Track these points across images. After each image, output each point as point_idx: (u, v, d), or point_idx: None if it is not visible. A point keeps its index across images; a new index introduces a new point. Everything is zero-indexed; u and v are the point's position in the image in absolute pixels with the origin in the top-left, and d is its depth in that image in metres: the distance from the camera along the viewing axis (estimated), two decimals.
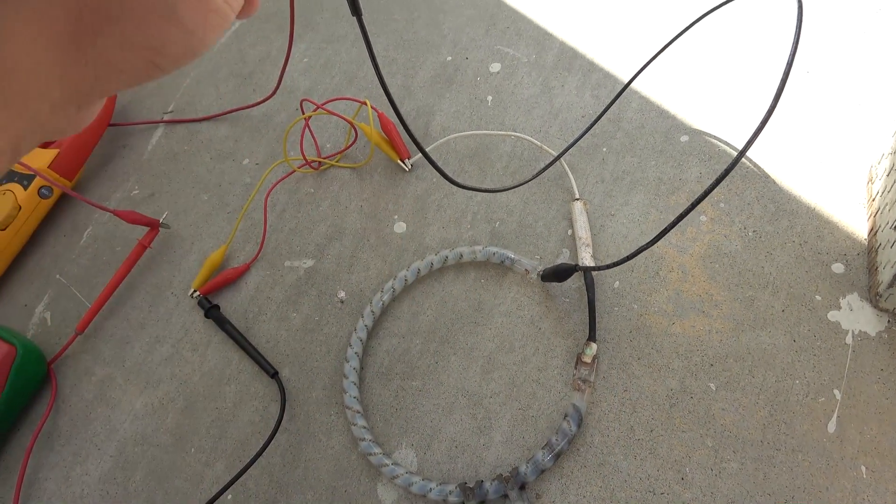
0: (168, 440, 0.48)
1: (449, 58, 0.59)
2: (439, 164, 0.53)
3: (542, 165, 0.51)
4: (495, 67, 0.57)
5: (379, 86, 0.59)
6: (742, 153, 0.31)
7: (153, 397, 0.50)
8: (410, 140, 0.38)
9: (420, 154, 0.53)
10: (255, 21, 0.70)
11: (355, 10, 0.32)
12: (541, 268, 0.45)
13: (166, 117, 0.66)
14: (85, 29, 0.18)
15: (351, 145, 0.56)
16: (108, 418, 0.50)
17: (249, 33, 0.69)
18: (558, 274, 0.43)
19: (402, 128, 0.37)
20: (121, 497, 0.47)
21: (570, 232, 0.47)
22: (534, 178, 0.47)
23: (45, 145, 0.63)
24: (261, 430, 0.46)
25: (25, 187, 0.60)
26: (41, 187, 0.60)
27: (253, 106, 0.62)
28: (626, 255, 0.36)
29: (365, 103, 0.52)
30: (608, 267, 0.38)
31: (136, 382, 0.51)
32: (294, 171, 0.56)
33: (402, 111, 0.56)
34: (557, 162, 0.48)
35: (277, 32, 0.68)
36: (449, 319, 0.46)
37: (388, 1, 0.66)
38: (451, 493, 0.39)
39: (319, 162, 0.56)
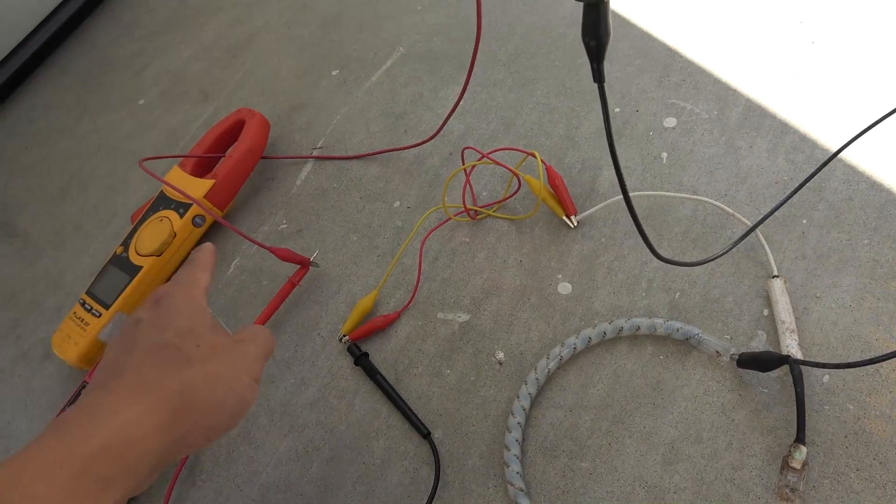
0: (312, 491, 0.47)
1: (617, 109, 0.57)
2: (609, 223, 0.50)
3: (728, 233, 0.47)
4: (670, 122, 0.54)
5: (542, 135, 0.57)
6: None
7: (298, 443, 0.49)
8: (630, 215, 0.35)
9: (588, 212, 0.50)
10: (408, 61, 0.70)
11: (599, 77, 0.30)
12: (734, 350, 0.41)
13: (315, 153, 0.67)
14: (177, 420, 0.30)
15: (511, 196, 0.54)
16: (251, 459, 0.49)
17: (402, 74, 0.69)
18: (762, 363, 0.39)
19: (627, 203, 0.34)
20: None
21: (766, 312, 0.43)
22: (729, 249, 0.43)
23: (202, 175, 0.65)
24: (410, 494, 0.44)
25: (181, 215, 0.61)
26: (195, 216, 0.62)
27: (407, 148, 0.62)
28: (866, 359, 0.31)
29: (534, 155, 0.50)
30: (837, 367, 0.34)
31: (280, 424, 0.50)
32: (450, 218, 0.54)
33: (565, 163, 0.54)
34: (752, 233, 0.44)
35: (430, 74, 0.68)
36: (623, 396, 0.43)
37: (550, 46, 0.64)
38: None
39: (476, 211, 0.54)
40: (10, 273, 0.74)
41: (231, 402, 0.33)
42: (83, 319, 0.60)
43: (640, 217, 0.49)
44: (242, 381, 0.34)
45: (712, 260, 0.44)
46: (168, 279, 0.63)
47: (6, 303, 0.72)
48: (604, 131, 0.51)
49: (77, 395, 0.53)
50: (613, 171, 0.52)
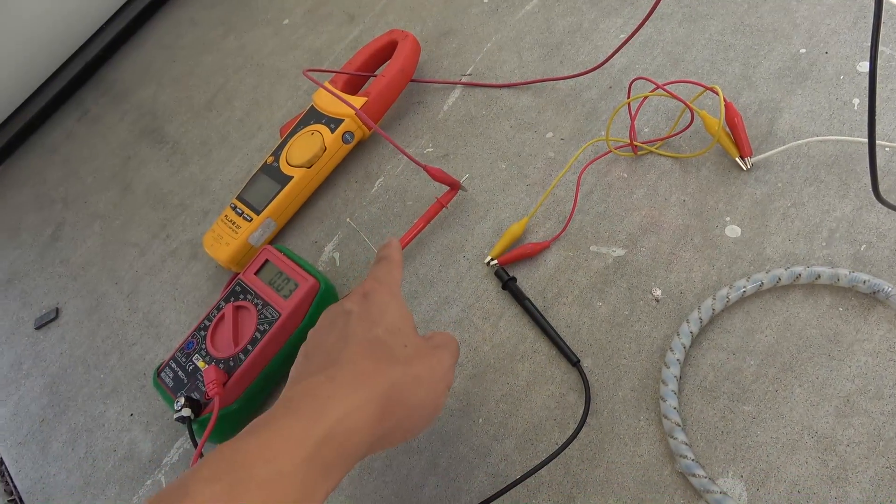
0: (455, 405, 0.49)
1: (802, 50, 0.54)
2: (787, 168, 0.49)
3: None
4: (865, 67, 0.51)
5: (715, 73, 0.55)
6: None
7: None
8: (868, 153, 0.34)
9: (764, 154, 0.49)
10: None
11: None
12: None
13: (464, 79, 0.67)
14: (384, 416, 0.33)
15: (680, 132, 0.53)
16: None
17: (559, 3, 0.68)
18: None
19: (870, 141, 0.33)
20: (402, 449, 0.48)
21: None
22: None
23: (353, 92, 0.67)
24: (556, 417, 0.45)
25: (332, 130, 0.64)
26: (345, 133, 0.64)
27: (564, 78, 0.61)
28: None
29: (715, 91, 0.48)
30: None
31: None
32: (610, 151, 0.54)
33: (740, 103, 0.53)
34: None
35: (590, 5, 0.66)
36: (794, 345, 0.42)
37: None
38: None
39: (638, 146, 0.53)
40: (159, 177, 0.80)
41: (428, 407, 0.35)
42: (234, 223, 0.64)
43: (825, 163, 0.47)
44: (439, 388, 0.36)
45: None
46: (311, 193, 0.66)
47: (156, 204, 0.77)
48: (786, 72, 0.49)
49: (230, 293, 0.57)
50: (794, 115, 0.50)
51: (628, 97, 0.54)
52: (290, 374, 0.37)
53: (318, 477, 0.29)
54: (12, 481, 0.63)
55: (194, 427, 0.51)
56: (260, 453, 0.29)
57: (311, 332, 0.39)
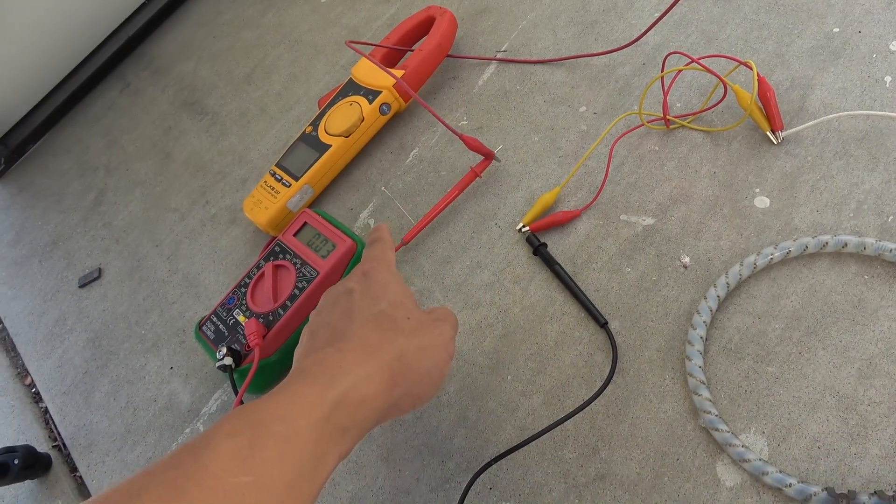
0: (485, 362, 0.51)
1: (836, 29, 0.55)
2: (817, 143, 0.50)
3: None
4: None
5: (748, 51, 0.56)
6: None
7: (472, 318, 0.53)
8: None
9: (795, 129, 0.50)
10: None
11: None
12: None
13: (499, 55, 0.69)
14: (395, 384, 0.35)
15: (713, 106, 0.54)
16: None
17: None
18: None
19: None
20: (432, 404, 0.51)
21: None
22: None
23: (391, 65, 0.69)
24: (583, 375, 0.47)
25: (370, 101, 0.66)
26: (382, 104, 0.66)
27: (598, 55, 0.62)
28: None
29: (749, 65, 0.50)
30: None
31: (454, 300, 0.55)
32: (642, 124, 0.55)
33: (772, 80, 0.53)
34: None
35: None
36: (818, 310, 0.43)
37: None
38: (815, 494, 0.37)
39: (670, 120, 0.54)
40: (199, 147, 0.83)
41: (435, 374, 0.37)
42: (273, 188, 0.66)
43: (855, 138, 0.48)
44: (442, 357, 0.38)
45: None
46: (348, 162, 0.68)
47: (196, 172, 0.80)
48: (820, 50, 0.50)
49: (270, 253, 0.59)
50: (826, 92, 0.51)
51: (662, 71, 0.55)
52: (295, 354, 0.39)
53: (331, 439, 0.31)
54: (56, 428, 0.67)
55: (235, 376, 0.53)
56: (276, 413, 0.31)
57: (312, 314, 0.41)
